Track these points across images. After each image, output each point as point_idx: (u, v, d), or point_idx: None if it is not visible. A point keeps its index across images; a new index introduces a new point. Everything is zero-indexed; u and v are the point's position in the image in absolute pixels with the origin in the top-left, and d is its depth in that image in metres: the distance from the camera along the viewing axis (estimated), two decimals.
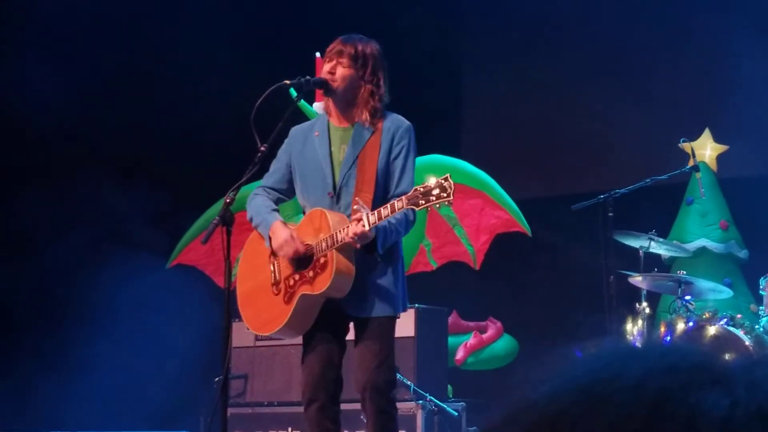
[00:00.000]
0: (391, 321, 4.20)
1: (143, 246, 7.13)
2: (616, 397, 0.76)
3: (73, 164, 7.43)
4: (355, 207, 3.98)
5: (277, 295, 4.24)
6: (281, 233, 4.16)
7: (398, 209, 3.92)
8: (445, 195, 3.83)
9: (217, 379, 5.35)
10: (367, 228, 3.93)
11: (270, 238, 4.21)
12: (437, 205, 3.87)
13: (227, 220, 4.00)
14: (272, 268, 4.27)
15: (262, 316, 4.31)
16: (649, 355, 0.81)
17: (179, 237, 7.49)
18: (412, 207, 3.89)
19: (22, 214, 7.24)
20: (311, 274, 4.13)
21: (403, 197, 3.91)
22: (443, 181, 3.85)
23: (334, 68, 4.19)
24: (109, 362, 7.05)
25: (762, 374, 0.79)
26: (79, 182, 7.21)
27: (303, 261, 4.17)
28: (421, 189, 3.87)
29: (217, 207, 5.80)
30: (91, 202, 7.32)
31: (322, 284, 4.08)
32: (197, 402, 6.56)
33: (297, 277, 4.18)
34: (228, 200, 4.03)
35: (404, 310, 4.36)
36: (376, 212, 3.95)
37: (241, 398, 6.56)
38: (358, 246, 4.01)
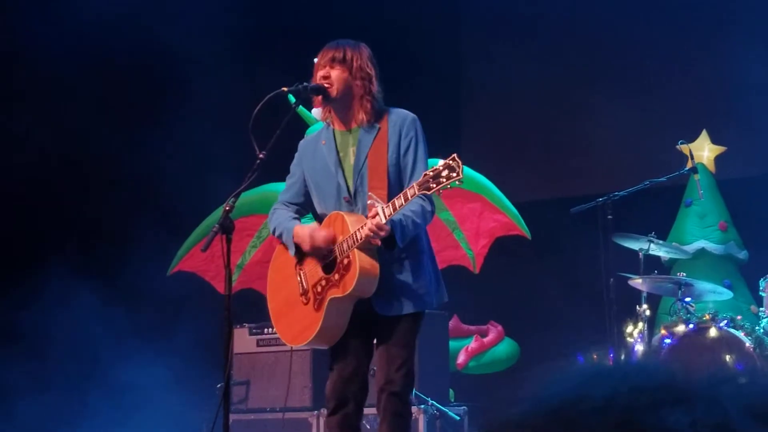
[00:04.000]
0: (417, 318, 4.19)
1: (143, 252, 7.15)
2: (584, 418, 0.78)
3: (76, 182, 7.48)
4: (369, 202, 4.01)
5: (306, 304, 4.23)
6: (303, 231, 4.18)
7: (411, 197, 3.93)
8: (454, 174, 3.83)
9: (218, 385, 5.36)
10: (383, 220, 3.94)
11: (294, 245, 4.22)
12: (449, 186, 3.87)
13: (227, 227, 4.01)
14: (299, 278, 4.27)
15: (295, 327, 4.30)
16: (615, 375, 0.82)
17: (180, 244, 7.50)
18: (424, 192, 3.90)
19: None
20: (337, 276, 4.13)
21: (414, 184, 3.93)
22: (451, 161, 3.86)
23: (328, 73, 4.22)
24: (111, 370, 7.06)
25: (725, 391, 0.80)
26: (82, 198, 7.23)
27: (328, 266, 4.18)
28: (431, 173, 3.88)
29: (217, 214, 5.82)
30: (97, 212, 7.35)
31: (348, 285, 4.07)
32: (199, 408, 6.57)
33: (324, 282, 4.17)
34: (227, 208, 4.04)
35: (440, 303, 4.34)
36: (390, 204, 3.97)
37: (243, 404, 6.57)
38: (379, 242, 4.01)
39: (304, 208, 4.40)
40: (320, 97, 4.25)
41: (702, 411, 0.78)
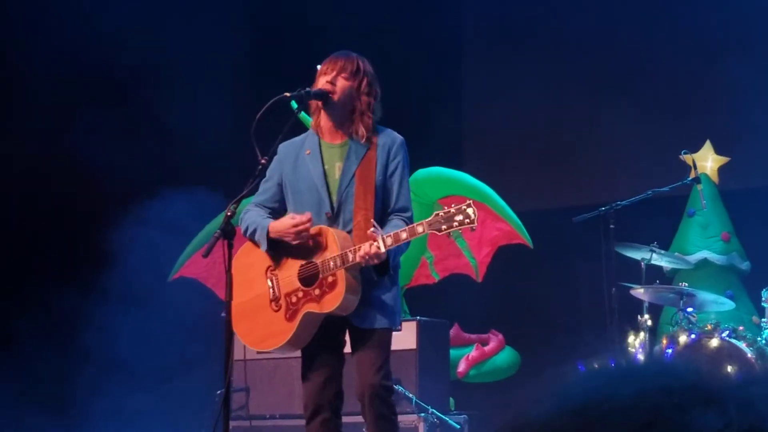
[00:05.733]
0: (390, 333, 4.21)
1: (144, 258, 7.15)
2: (609, 418, 0.76)
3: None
4: (371, 230, 3.97)
5: (277, 311, 4.20)
6: (281, 223, 4.12)
7: (419, 233, 3.94)
8: (468, 221, 3.86)
9: (218, 392, 5.35)
10: (382, 250, 3.94)
11: (271, 241, 4.15)
12: (459, 231, 3.89)
13: (228, 233, 3.98)
14: (270, 283, 4.23)
15: (259, 332, 4.27)
16: (643, 375, 0.81)
17: (181, 250, 7.50)
18: (434, 232, 3.91)
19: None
20: (317, 292, 4.11)
21: (424, 222, 3.93)
22: (466, 207, 3.87)
23: (334, 79, 4.18)
24: (113, 377, 7.05)
25: (757, 392, 0.79)
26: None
27: (307, 278, 4.16)
28: (443, 214, 3.89)
29: (218, 220, 5.81)
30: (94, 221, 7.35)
31: (331, 303, 4.07)
32: (199, 415, 6.56)
33: (300, 294, 4.15)
34: (229, 213, 4.01)
35: (399, 324, 4.39)
36: (392, 235, 3.96)
37: (243, 411, 6.55)
38: (363, 265, 4.02)
39: (278, 213, 4.34)
40: (319, 103, 4.23)
41: (735, 412, 0.77)
